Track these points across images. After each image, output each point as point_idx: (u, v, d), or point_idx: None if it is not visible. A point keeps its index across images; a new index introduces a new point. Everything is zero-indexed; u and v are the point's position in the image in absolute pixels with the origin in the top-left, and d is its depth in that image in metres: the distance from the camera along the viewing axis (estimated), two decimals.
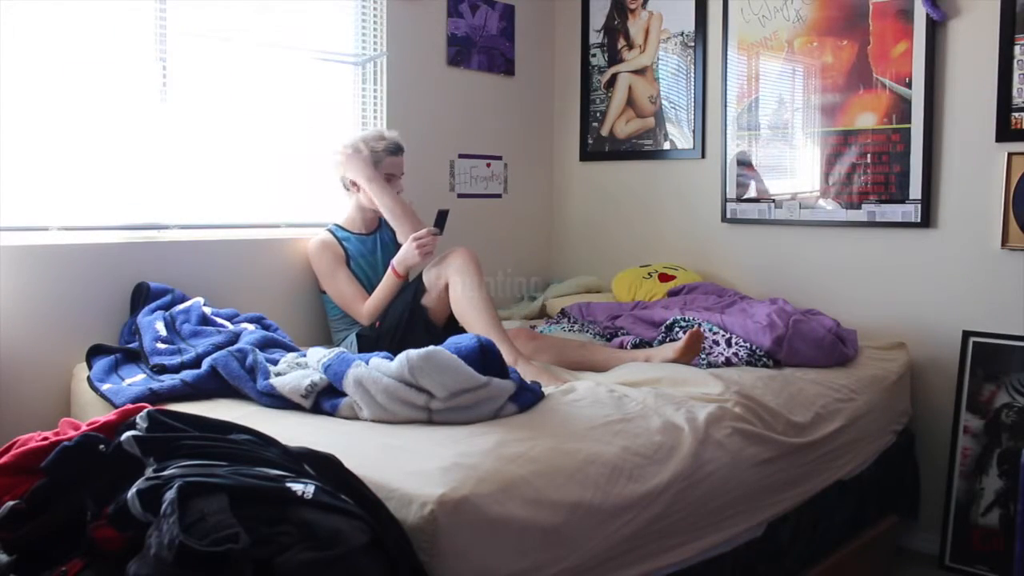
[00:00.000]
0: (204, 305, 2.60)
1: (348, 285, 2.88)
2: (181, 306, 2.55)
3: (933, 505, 2.97)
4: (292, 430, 1.80)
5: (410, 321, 2.73)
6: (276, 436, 1.62)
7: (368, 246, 2.99)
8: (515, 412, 1.95)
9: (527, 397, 2.00)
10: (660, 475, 1.84)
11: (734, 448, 2.05)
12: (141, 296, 2.58)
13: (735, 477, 2.03)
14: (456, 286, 2.66)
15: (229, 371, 2.17)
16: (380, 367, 1.94)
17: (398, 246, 2.87)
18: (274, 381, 2.08)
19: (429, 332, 2.69)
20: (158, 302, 2.56)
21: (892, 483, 2.87)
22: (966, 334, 2.92)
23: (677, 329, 2.72)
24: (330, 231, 2.98)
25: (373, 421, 1.90)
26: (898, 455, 2.89)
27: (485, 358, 1.96)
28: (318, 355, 2.11)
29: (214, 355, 2.22)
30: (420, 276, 2.78)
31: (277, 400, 2.06)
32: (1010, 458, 2.79)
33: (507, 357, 2.24)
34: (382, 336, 2.74)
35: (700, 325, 2.70)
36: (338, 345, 2.90)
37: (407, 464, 1.61)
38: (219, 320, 2.56)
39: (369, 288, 2.89)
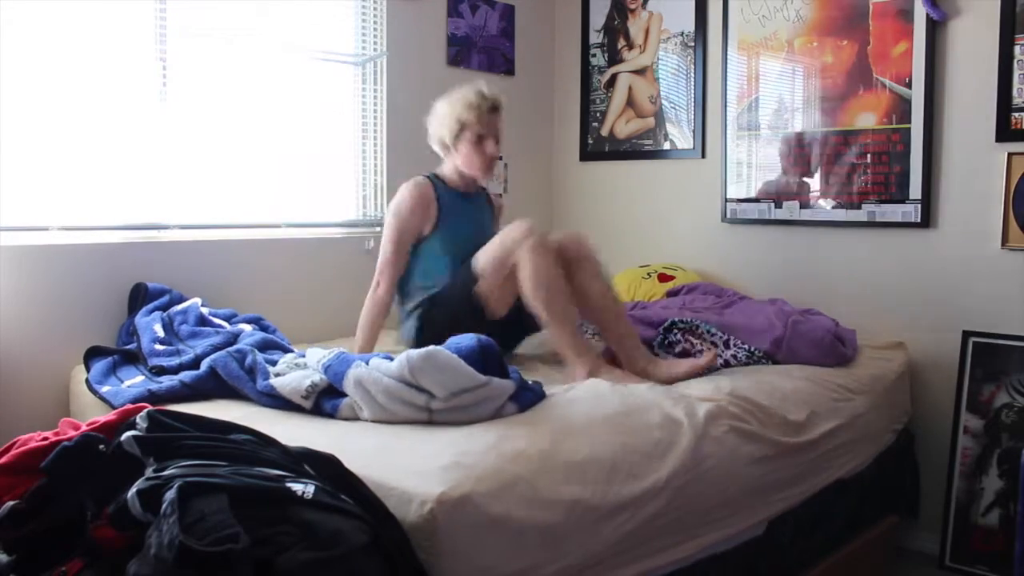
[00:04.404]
0: (202, 306, 2.60)
1: (401, 249, 2.65)
2: (179, 307, 2.55)
3: (933, 505, 2.97)
4: (292, 431, 1.80)
5: (466, 315, 2.45)
6: (276, 437, 1.62)
7: (466, 206, 2.76)
8: (515, 412, 1.95)
9: (527, 396, 2.00)
10: (659, 471, 1.84)
11: (732, 445, 2.05)
12: (139, 297, 2.58)
13: (734, 474, 2.03)
14: (526, 272, 2.37)
15: (228, 372, 2.16)
16: (380, 367, 1.94)
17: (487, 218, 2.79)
18: (274, 382, 2.08)
19: (485, 324, 2.38)
20: (156, 303, 2.55)
21: (892, 483, 2.87)
22: (966, 334, 2.92)
23: (676, 330, 2.72)
24: (430, 180, 2.70)
25: (373, 421, 1.90)
26: (898, 455, 2.89)
27: (485, 358, 1.96)
28: (317, 355, 2.11)
29: (213, 356, 2.22)
30: (468, 266, 2.53)
31: (277, 400, 2.06)
32: (1010, 458, 2.79)
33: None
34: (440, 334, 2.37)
35: (699, 326, 2.69)
36: (403, 326, 2.67)
37: (407, 463, 1.61)
38: (217, 321, 2.56)
39: (459, 249, 2.61)
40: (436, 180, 2.72)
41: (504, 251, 2.44)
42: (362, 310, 2.66)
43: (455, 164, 2.71)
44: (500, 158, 2.62)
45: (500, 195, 2.87)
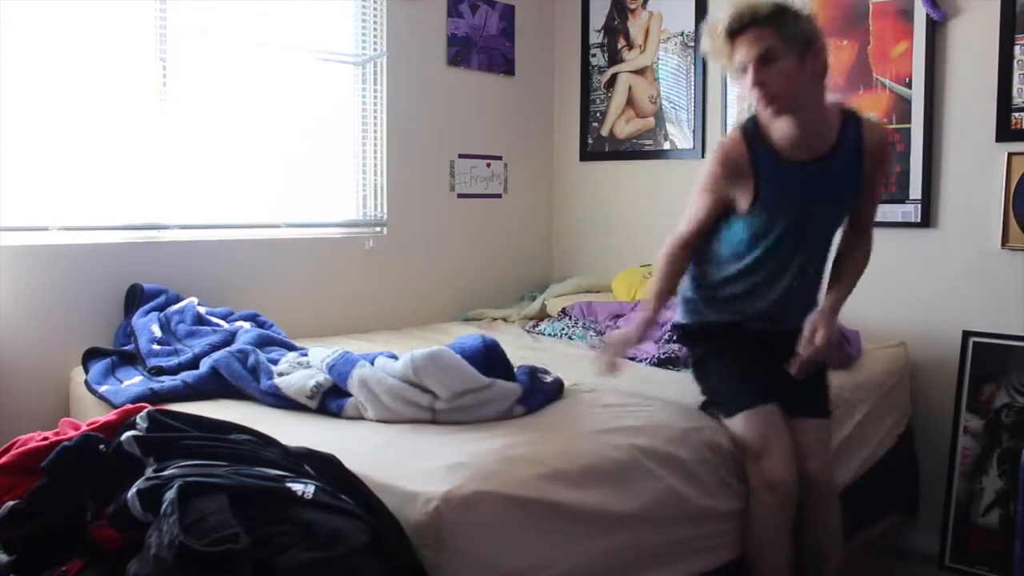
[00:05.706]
0: (199, 304, 2.59)
1: (703, 211, 2.15)
2: (175, 306, 2.55)
3: (933, 505, 2.96)
4: (297, 430, 1.80)
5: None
6: (281, 436, 1.63)
7: (793, 175, 2.05)
8: (523, 413, 1.94)
9: (536, 399, 2.00)
10: (666, 480, 1.84)
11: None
12: (135, 298, 2.58)
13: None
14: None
15: (231, 372, 2.16)
16: (385, 367, 1.95)
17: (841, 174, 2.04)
18: (278, 381, 2.08)
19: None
20: (152, 303, 2.55)
21: (892, 483, 2.86)
22: (966, 334, 2.91)
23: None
24: (747, 136, 2.07)
25: (378, 421, 1.90)
26: (898, 455, 2.88)
27: (490, 359, 1.96)
28: (321, 355, 2.11)
29: (215, 356, 2.22)
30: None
31: (282, 400, 2.06)
32: (1010, 458, 2.79)
33: None
34: None
35: None
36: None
37: (412, 463, 1.62)
38: (214, 320, 2.55)
39: (775, 219, 2.05)
40: (754, 132, 2.05)
41: (744, 457, 2.02)
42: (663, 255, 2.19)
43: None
44: (765, 85, 1.93)
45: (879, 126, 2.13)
